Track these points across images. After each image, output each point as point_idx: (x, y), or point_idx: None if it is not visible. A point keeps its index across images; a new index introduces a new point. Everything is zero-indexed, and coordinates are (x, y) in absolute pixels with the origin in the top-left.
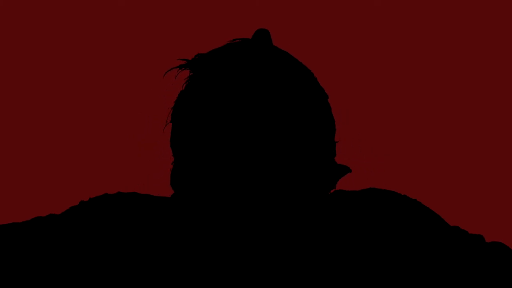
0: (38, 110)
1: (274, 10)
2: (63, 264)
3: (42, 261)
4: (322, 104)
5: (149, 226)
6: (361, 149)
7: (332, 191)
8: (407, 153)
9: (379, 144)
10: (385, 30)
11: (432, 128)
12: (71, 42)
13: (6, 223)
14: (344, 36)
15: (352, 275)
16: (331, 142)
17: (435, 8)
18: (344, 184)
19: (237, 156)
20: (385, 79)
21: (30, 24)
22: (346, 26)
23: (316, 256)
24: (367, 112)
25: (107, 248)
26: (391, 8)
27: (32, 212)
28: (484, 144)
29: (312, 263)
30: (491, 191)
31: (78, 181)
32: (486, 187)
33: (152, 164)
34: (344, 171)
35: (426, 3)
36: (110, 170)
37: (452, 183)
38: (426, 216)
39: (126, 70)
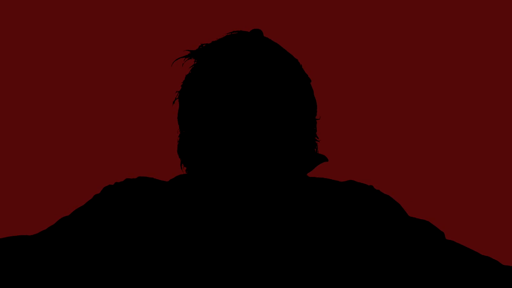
0: (36, 105)
1: (274, 12)
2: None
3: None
4: (305, 86)
5: (163, 207)
6: (361, 149)
7: (314, 176)
8: (406, 153)
9: (379, 144)
10: (386, 31)
11: (430, 128)
12: (73, 34)
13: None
14: (346, 38)
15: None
16: (312, 118)
17: (434, 8)
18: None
19: (232, 125)
20: (384, 79)
21: (31, 24)
22: (348, 28)
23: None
24: (367, 112)
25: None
26: (390, 8)
27: (36, 208)
28: (481, 144)
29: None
30: (487, 192)
31: (78, 178)
32: (482, 187)
33: (152, 161)
34: (321, 159)
35: (425, 3)
36: (110, 167)
37: (449, 182)
38: (389, 210)
39: (125, 69)
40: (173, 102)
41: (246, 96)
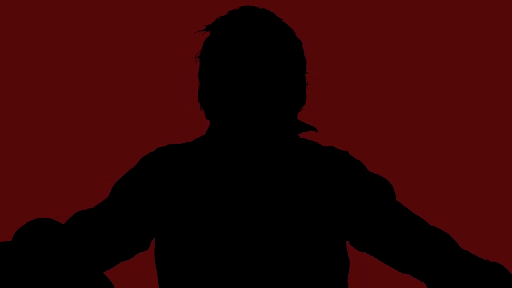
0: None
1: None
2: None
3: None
4: (298, 48)
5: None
6: (359, 147)
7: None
8: (405, 152)
9: (378, 143)
10: (389, 32)
11: (429, 128)
12: (77, 26)
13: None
14: (349, 38)
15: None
16: (302, 71)
17: (433, 8)
18: None
19: (239, 77)
20: (384, 79)
21: (31, 24)
22: (351, 28)
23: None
24: (366, 111)
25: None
26: (390, 8)
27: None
28: (479, 144)
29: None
30: (481, 189)
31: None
32: (478, 185)
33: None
34: (311, 127)
35: (425, 3)
36: (111, 164)
37: (446, 180)
38: (353, 168)
39: (126, 69)
40: (196, 61)
41: (251, 52)
